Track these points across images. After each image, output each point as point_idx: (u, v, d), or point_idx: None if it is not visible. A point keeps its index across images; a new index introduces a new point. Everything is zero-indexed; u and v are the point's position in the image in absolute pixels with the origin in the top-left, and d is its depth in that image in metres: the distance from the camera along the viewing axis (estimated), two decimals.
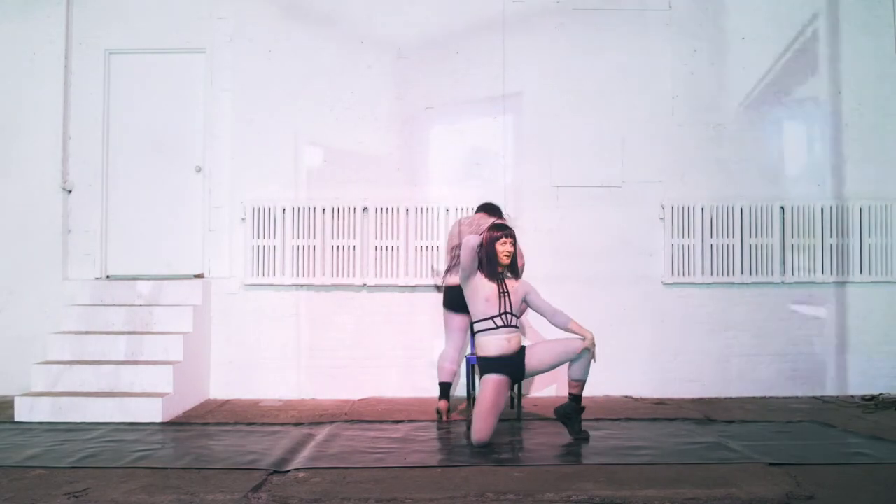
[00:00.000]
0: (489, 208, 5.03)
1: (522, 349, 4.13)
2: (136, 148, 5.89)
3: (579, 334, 4.06)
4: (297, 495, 3.08)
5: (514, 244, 4.18)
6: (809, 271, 5.79)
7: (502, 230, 4.15)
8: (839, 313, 5.82)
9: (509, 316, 4.08)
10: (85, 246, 5.82)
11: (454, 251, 4.83)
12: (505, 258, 4.11)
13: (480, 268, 4.12)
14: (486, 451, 3.85)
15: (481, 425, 3.90)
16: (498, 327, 4.06)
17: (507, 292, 4.10)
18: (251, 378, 5.70)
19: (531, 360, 4.09)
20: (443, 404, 4.78)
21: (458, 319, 4.84)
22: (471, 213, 5.58)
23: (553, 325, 4.18)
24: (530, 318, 5.50)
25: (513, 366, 4.05)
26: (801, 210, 5.82)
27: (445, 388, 4.85)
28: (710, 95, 5.90)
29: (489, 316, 4.08)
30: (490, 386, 3.99)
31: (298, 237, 5.74)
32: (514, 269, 4.22)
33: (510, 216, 5.12)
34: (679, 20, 5.92)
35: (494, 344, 4.04)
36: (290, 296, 5.76)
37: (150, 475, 3.40)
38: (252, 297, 5.75)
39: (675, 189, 5.85)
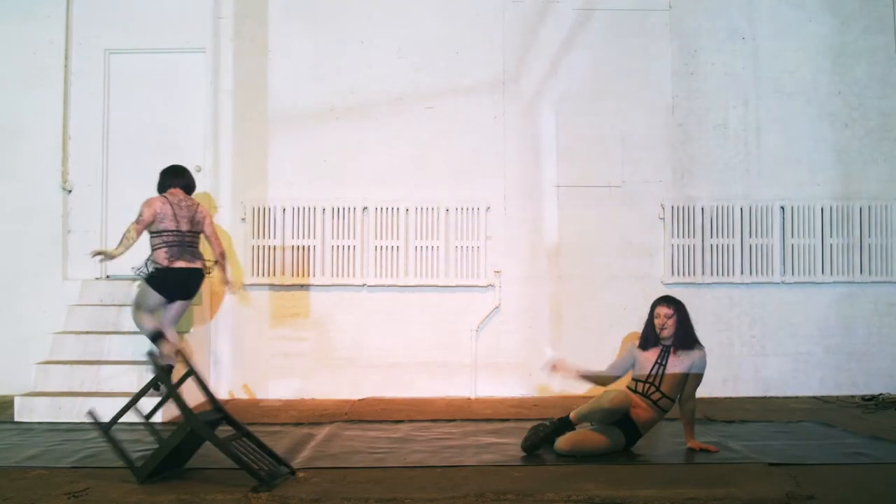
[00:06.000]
0: (174, 173, 4.78)
1: (638, 432, 3.87)
2: (136, 148, 5.89)
3: (686, 433, 3.94)
4: (297, 495, 3.08)
5: (676, 315, 3.90)
6: (809, 271, 5.79)
7: (661, 302, 3.99)
8: (839, 313, 5.82)
9: (652, 388, 3.85)
10: (85, 246, 5.80)
11: None
12: (662, 331, 3.90)
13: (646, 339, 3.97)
14: (485, 451, 3.86)
15: (564, 441, 3.80)
16: (635, 391, 3.88)
17: (665, 365, 3.87)
18: (251, 378, 5.70)
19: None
20: None
21: None
22: (469, 212, 5.61)
23: (680, 409, 3.94)
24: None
25: (627, 426, 3.84)
26: (801, 210, 5.82)
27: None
28: (710, 95, 5.90)
29: (634, 376, 3.95)
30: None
31: (298, 237, 5.75)
32: (685, 341, 3.92)
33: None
34: (679, 20, 5.92)
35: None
36: (290, 296, 5.76)
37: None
38: (252, 297, 5.75)
39: (675, 189, 5.85)
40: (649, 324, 3.98)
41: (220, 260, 4.92)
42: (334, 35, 5.88)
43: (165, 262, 4.55)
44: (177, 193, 4.74)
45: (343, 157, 5.83)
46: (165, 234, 4.58)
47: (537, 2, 5.90)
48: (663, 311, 3.92)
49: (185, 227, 4.64)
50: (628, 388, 3.92)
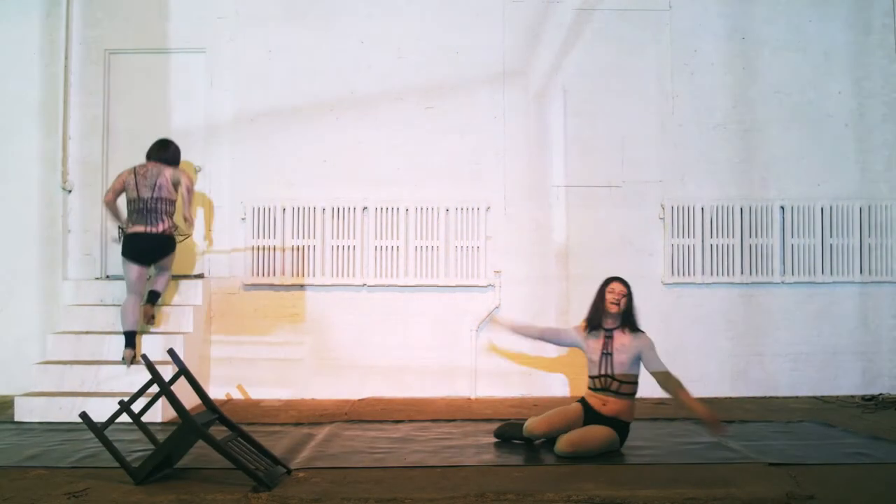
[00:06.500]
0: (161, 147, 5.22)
1: (623, 424, 3.88)
2: (136, 148, 5.87)
3: (691, 409, 3.77)
4: (297, 495, 3.08)
5: (629, 296, 3.96)
6: (809, 271, 5.79)
7: (614, 279, 4.01)
8: (839, 313, 5.82)
9: (608, 380, 3.88)
10: (85, 246, 5.82)
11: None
12: (612, 306, 3.92)
13: (591, 319, 4.02)
14: (485, 451, 3.86)
15: (565, 443, 3.77)
16: (596, 389, 3.93)
17: (611, 353, 3.90)
18: (251, 378, 5.69)
19: (586, 432, 3.82)
20: None
21: None
22: (469, 212, 5.64)
23: (663, 390, 3.92)
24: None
25: (612, 423, 3.87)
26: (801, 210, 5.82)
27: None
28: (710, 95, 5.90)
29: (590, 374, 3.99)
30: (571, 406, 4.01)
31: (298, 237, 5.75)
32: (630, 319, 3.98)
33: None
34: (679, 20, 5.92)
35: (591, 399, 3.96)
36: (290, 296, 5.76)
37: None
38: (252, 297, 5.75)
39: (675, 189, 5.85)
40: (597, 303, 4.00)
41: (187, 215, 5.14)
42: (334, 35, 5.88)
43: (126, 228, 5.03)
44: (147, 164, 5.12)
45: (343, 157, 5.83)
46: (131, 202, 5.04)
47: (537, 2, 5.90)
48: (618, 287, 3.97)
49: (145, 194, 5.01)
50: (588, 388, 3.98)
